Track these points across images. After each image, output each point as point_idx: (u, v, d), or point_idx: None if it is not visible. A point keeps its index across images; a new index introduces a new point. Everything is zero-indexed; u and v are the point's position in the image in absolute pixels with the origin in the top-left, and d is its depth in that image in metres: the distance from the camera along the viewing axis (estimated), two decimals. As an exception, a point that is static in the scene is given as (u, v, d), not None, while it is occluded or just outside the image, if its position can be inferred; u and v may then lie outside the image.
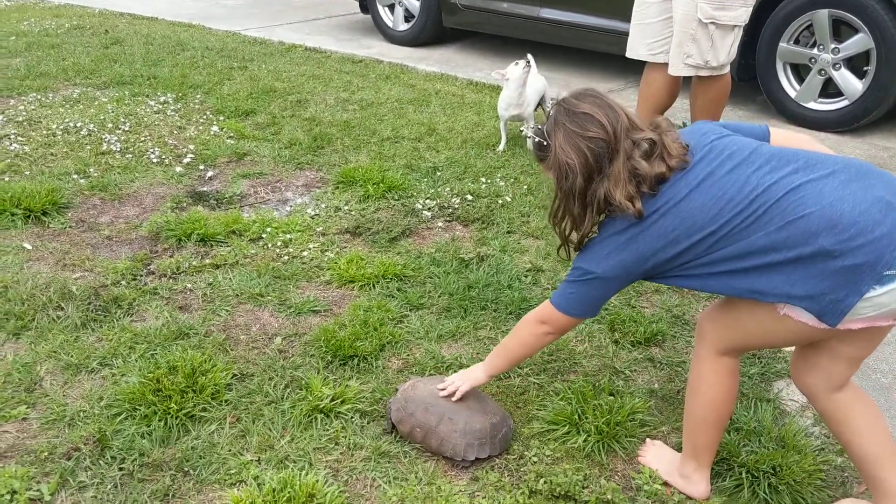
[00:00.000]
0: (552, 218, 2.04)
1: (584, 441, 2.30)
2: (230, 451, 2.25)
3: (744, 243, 1.77)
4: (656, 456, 2.28)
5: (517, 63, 4.18)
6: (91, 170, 4.03)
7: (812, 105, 4.88)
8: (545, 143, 1.94)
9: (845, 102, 4.74)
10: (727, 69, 3.85)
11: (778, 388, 2.61)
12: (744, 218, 1.76)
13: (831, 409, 2.03)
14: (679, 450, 2.29)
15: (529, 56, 4.28)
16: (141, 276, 3.12)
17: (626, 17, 5.56)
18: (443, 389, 2.28)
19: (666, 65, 3.89)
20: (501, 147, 4.36)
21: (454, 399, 2.26)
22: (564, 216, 1.98)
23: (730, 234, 1.78)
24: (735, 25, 3.67)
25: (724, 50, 3.71)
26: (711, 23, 3.60)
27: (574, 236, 1.99)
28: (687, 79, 3.95)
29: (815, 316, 1.75)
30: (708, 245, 1.80)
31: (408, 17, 7.11)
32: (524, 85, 4.22)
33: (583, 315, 2.04)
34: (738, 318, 1.93)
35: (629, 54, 4.04)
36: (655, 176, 1.83)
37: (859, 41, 4.57)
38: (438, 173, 4.11)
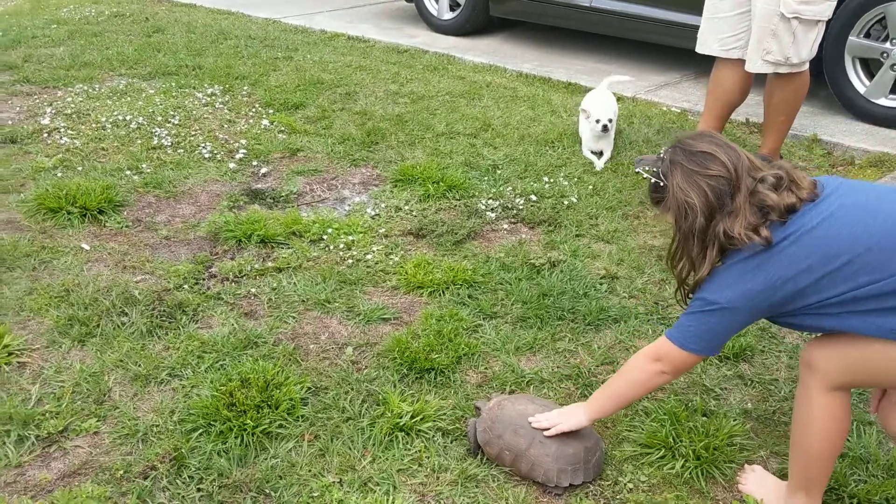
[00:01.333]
0: (670, 259, 1.96)
1: (682, 467, 2.18)
2: (310, 471, 2.15)
3: (892, 280, 1.66)
4: (758, 484, 2.16)
5: (598, 121, 4.02)
6: (143, 165, 3.94)
7: (883, 101, 4.68)
8: (661, 184, 1.86)
9: (919, 99, 4.55)
10: (807, 66, 3.69)
11: (878, 410, 2.47)
12: (883, 247, 1.67)
13: None
14: (780, 476, 2.17)
15: (609, 122, 4.06)
16: (203, 279, 3.03)
17: (681, 8, 5.44)
18: (536, 420, 2.15)
19: (738, 60, 3.73)
20: (599, 166, 4.14)
21: (547, 434, 2.12)
22: (682, 258, 1.91)
23: (871, 266, 1.67)
24: (819, 20, 3.50)
25: (807, 46, 3.54)
26: (795, 17, 3.43)
27: (691, 278, 1.90)
28: (759, 75, 3.79)
29: None
30: (846, 277, 1.69)
31: (453, 5, 6.94)
32: (606, 138, 4.12)
33: (702, 352, 1.91)
34: (863, 357, 1.80)
35: (699, 49, 3.88)
36: (786, 206, 1.76)
37: (936, 35, 4.38)
38: (499, 171, 3.99)
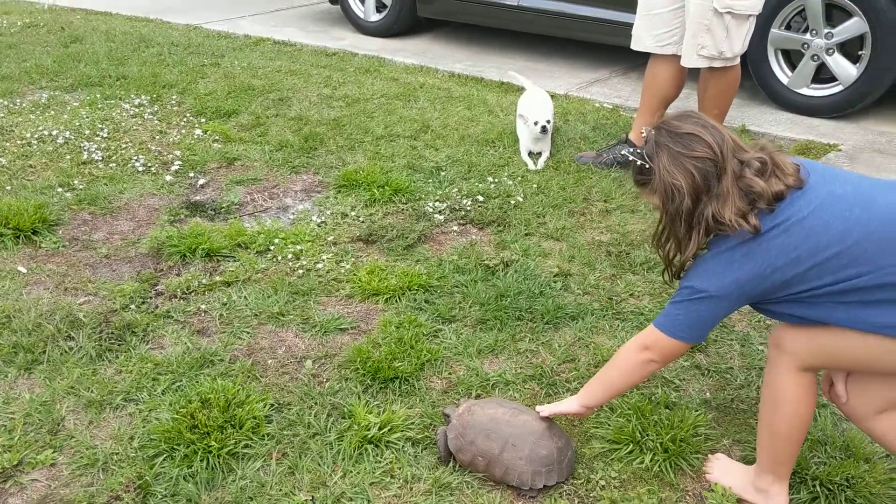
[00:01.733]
0: (656, 241, 1.96)
1: (651, 460, 2.21)
2: (281, 490, 2.11)
3: (879, 274, 1.69)
4: (724, 471, 2.20)
5: (536, 123, 4.04)
6: (75, 182, 3.79)
7: (805, 91, 4.86)
8: (647, 167, 1.85)
9: (839, 88, 4.72)
10: (738, 60, 3.79)
11: (829, 392, 2.55)
12: (875, 243, 1.69)
13: (878, 427, 1.98)
14: (744, 462, 2.23)
15: (547, 122, 4.09)
16: (150, 297, 2.94)
17: (609, 6, 5.53)
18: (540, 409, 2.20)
19: (673, 56, 3.81)
20: (532, 167, 4.13)
21: (542, 413, 2.16)
22: (669, 239, 1.91)
23: (860, 258, 1.70)
24: (750, 15, 3.60)
25: (739, 40, 3.64)
26: (727, 12, 3.52)
27: (677, 259, 1.90)
28: (693, 70, 3.88)
29: None
30: (835, 269, 1.72)
31: (379, 6, 6.90)
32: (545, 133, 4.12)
33: (690, 339, 1.92)
34: (837, 343, 1.84)
35: (634, 46, 3.94)
36: (774, 193, 1.76)
37: (853, 25, 4.55)
38: (443, 173, 3.98)
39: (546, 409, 2.17)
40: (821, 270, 1.74)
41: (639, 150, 1.90)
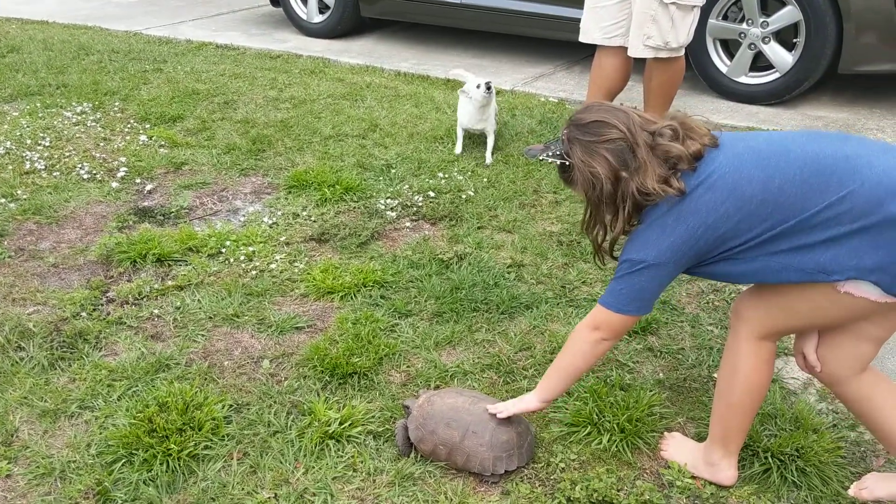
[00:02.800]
0: (584, 228, 2.01)
1: (609, 441, 2.25)
2: (244, 489, 2.10)
3: (806, 217, 1.72)
4: (678, 449, 2.25)
5: (479, 86, 4.00)
6: (19, 192, 3.72)
7: (744, 79, 4.98)
8: (567, 164, 1.91)
9: (776, 75, 4.85)
10: (683, 51, 3.87)
11: (777, 368, 2.62)
12: (797, 186, 1.73)
13: (854, 390, 2.03)
14: (698, 440, 2.28)
15: (490, 82, 4.07)
16: (101, 305, 2.90)
17: (552, 2, 5.59)
18: (493, 408, 2.18)
19: (620, 48, 3.88)
20: (458, 150, 4.20)
21: (499, 415, 2.15)
22: (596, 224, 1.97)
23: (784, 204, 1.74)
24: (694, 6, 3.69)
25: (684, 30, 3.73)
26: (672, 3, 3.61)
27: (607, 240, 1.96)
28: (639, 62, 3.95)
29: (883, 289, 1.73)
30: (763, 217, 1.75)
31: (322, 8, 6.88)
32: (488, 105, 4.09)
33: (637, 311, 1.95)
34: (785, 301, 1.89)
35: (582, 38, 4.01)
36: (693, 153, 1.82)
37: (787, 14, 4.68)
38: (393, 170, 3.99)
39: (505, 411, 2.15)
40: (750, 222, 1.77)
41: (556, 152, 1.95)
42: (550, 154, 1.98)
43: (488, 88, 4.01)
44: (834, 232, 1.72)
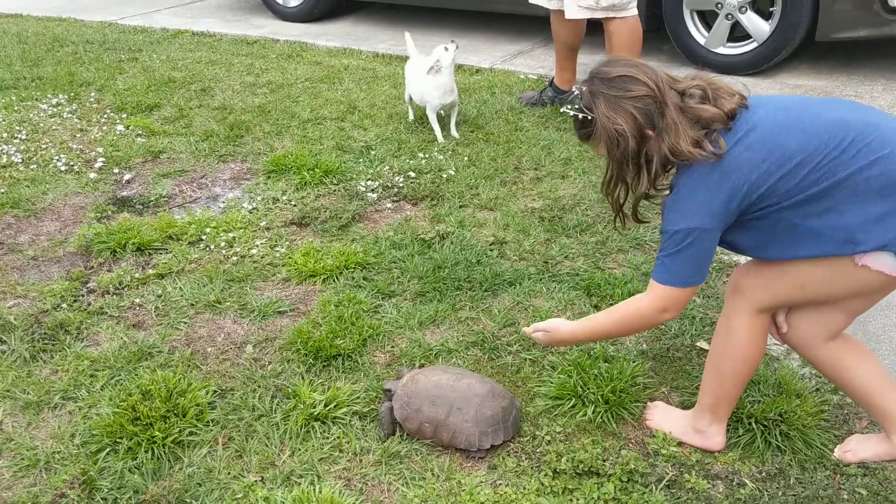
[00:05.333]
0: (605, 188, 1.95)
1: (594, 412, 2.26)
2: (230, 474, 2.10)
3: (840, 178, 1.70)
4: (663, 417, 2.26)
5: (446, 48, 3.92)
6: (-5, 185, 3.69)
7: (721, 50, 4.97)
8: (589, 118, 1.84)
9: (754, 45, 4.84)
10: (632, 11, 3.97)
11: (760, 334, 2.63)
12: (831, 148, 1.70)
13: (824, 355, 2.03)
14: (682, 408, 2.29)
15: (454, 41, 4.03)
16: (82, 296, 2.88)
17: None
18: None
19: (562, 11, 4.12)
20: (441, 137, 4.11)
21: (535, 337, 2.20)
22: (618, 184, 1.91)
23: (820, 165, 1.70)
24: None
25: None
26: None
27: (629, 201, 1.91)
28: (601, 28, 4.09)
29: None
30: (801, 177, 1.72)
31: (297, -9, 6.82)
32: (452, 66, 3.97)
33: (702, 279, 1.89)
34: (792, 275, 1.87)
35: (532, 1, 4.28)
36: (727, 113, 1.77)
37: (764, -17, 4.68)
38: (373, 152, 3.97)
39: (536, 333, 2.19)
40: (788, 181, 1.73)
41: (577, 105, 1.88)
42: (571, 105, 1.93)
43: (454, 44, 3.93)
44: (864, 197, 1.70)
